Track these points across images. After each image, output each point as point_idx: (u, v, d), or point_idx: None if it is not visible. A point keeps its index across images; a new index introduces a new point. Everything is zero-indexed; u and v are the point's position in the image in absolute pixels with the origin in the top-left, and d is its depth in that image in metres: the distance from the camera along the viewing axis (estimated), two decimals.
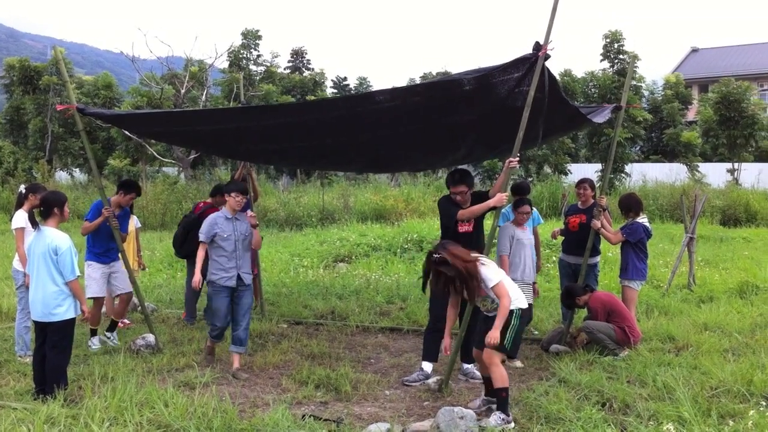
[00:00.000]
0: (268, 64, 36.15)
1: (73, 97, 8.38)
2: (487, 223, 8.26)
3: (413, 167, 15.07)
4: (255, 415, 6.10)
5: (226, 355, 8.33)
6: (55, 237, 6.64)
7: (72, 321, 6.80)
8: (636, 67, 26.25)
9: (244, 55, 34.61)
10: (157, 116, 9.64)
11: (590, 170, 27.49)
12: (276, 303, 11.16)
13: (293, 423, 5.80)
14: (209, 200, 10.27)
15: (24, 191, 8.14)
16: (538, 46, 6.36)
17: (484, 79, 6.49)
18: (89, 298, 8.67)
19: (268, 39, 34.21)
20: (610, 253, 13.08)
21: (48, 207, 6.73)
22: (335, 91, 47.63)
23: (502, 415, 5.96)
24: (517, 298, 6.18)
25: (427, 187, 26.76)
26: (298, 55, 43.25)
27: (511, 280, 6.52)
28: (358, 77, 50.08)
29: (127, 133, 25.55)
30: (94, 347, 8.54)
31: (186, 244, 9.97)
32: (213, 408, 6.00)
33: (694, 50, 59.05)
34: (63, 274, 6.63)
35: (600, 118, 8.35)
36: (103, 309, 9.15)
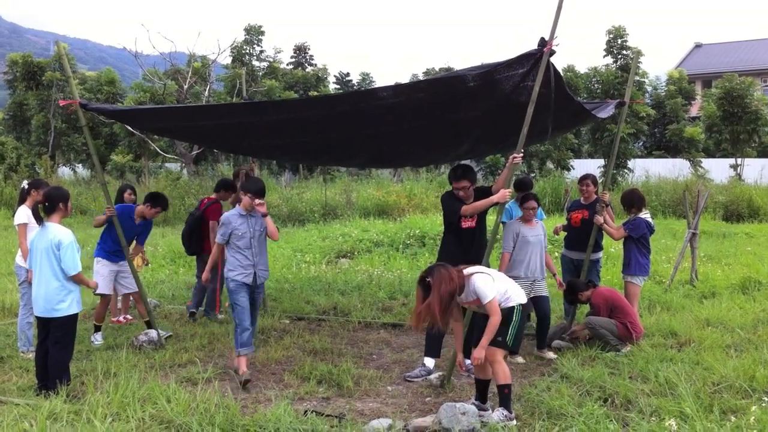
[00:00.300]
0: (271, 60, 36.09)
1: (76, 92, 8.38)
2: (491, 218, 8.28)
3: (416, 163, 15.09)
4: (257, 411, 6.10)
5: (228, 349, 8.35)
6: (58, 232, 6.65)
7: (75, 316, 6.82)
8: (639, 62, 26.09)
9: (247, 51, 34.56)
10: (160, 111, 9.65)
11: (593, 166, 27.41)
12: (278, 299, 11.16)
13: (295, 419, 5.79)
14: (213, 196, 10.27)
15: (27, 187, 8.15)
16: (543, 42, 6.35)
17: (489, 75, 6.49)
18: (96, 295, 8.78)
19: (270, 34, 34.23)
20: (612, 249, 13.07)
21: (53, 202, 6.74)
22: (338, 86, 47.55)
23: (505, 412, 5.96)
24: (517, 295, 6.18)
25: (430, 183, 26.74)
26: (300, 50, 43.15)
27: (509, 279, 6.51)
28: (361, 73, 49.99)
29: (129, 128, 25.55)
30: (96, 343, 8.55)
31: (193, 243, 10.00)
32: (215, 404, 6.00)
33: (698, 46, 58.92)
34: (65, 269, 6.64)
35: (604, 114, 8.35)
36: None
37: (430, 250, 14.46)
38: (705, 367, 6.96)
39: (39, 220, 6.74)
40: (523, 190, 9.10)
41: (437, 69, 39.53)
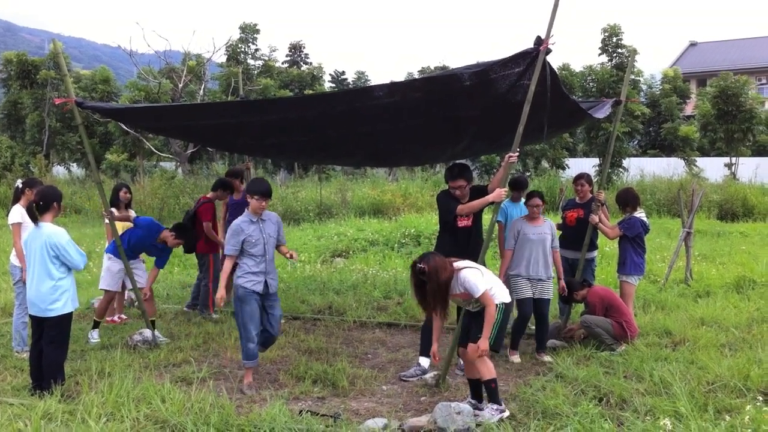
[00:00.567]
0: (266, 59, 36.07)
1: (72, 90, 8.36)
2: (487, 218, 8.27)
3: (413, 161, 15.09)
4: (252, 411, 6.10)
5: (222, 349, 8.34)
6: (53, 232, 6.64)
7: (69, 316, 6.80)
8: (635, 61, 26.20)
9: (242, 50, 34.52)
10: (156, 110, 9.63)
11: (588, 165, 27.48)
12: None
13: (290, 418, 5.79)
14: (209, 195, 10.27)
15: (21, 186, 8.13)
16: (539, 41, 6.35)
17: (484, 74, 6.49)
18: (101, 290, 8.84)
19: (265, 33, 34.08)
20: (607, 248, 13.09)
21: (47, 201, 6.73)
22: (333, 85, 47.56)
23: (494, 406, 5.99)
24: (501, 293, 6.20)
25: (425, 182, 26.76)
26: (296, 49, 43.11)
27: (495, 276, 6.49)
28: (356, 71, 50.13)
29: (124, 127, 25.50)
30: (93, 340, 8.52)
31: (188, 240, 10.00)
32: (210, 403, 6.00)
33: (693, 44, 59.09)
34: (74, 265, 6.72)
35: (600, 114, 8.34)
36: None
37: (426, 249, 14.42)
38: (700, 367, 6.98)
39: (34, 220, 6.72)
40: (519, 189, 9.11)
41: (432, 68, 39.50)
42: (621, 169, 28.13)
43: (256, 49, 35.47)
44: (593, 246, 8.95)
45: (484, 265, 7.10)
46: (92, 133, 30.16)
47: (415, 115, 7.37)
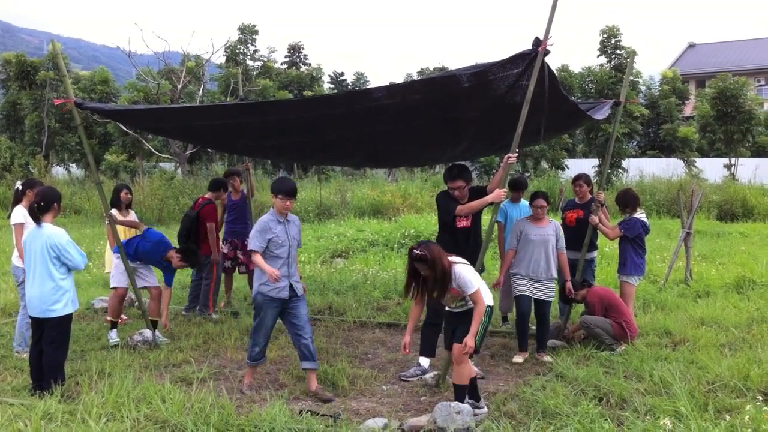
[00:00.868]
0: (265, 59, 36.07)
1: (71, 91, 8.35)
2: (486, 218, 8.27)
3: (412, 162, 15.11)
4: (252, 411, 6.09)
5: (222, 349, 8.34)
6: (54, 233, 6.64)
7: (69, 317, 6.81)
8: (634, 62, 26.26)
9: (241, 50, 34.53)
10: (156, 111, 9.62)
11: (587, 165, 27.50)
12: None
13: (290, 418, 5.79)
14: (208, 195, 10.26)
15: (21, 187, 8.14)
16: (537, 42, 6.35)
17: (483, 75, 6.49)
18: (112, 288, 8.83)
19: (264, 34, 34.19)
20: (607, 248, 13.10)
21: (48, 201, 6.73)
22: (332, 86, 47.52)
23: (469, 402, 6.10)
24: (487, 296, 6.21)
25: (425, 183, 26.78)
26: (294, 50, 43.11)
27: (481, 279, 6.44)
28: (355, 72, 50.10)
29: (123, 128, 25.50)
30: (112, 341, 8.50)
31: (189, 240, 9.99)
32: (210, 403, 5.99)
33: (691, 45, 59.14)
34: (74, 265, 6.72)
35: (600, 115, 8.34)
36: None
37: None
38: (699, 366, 6.98)
39: (37, 220, 6.71)
40: (518, 189, 9.12)
41: (431, 68, 39.52)
42: (620, 170, 28.15)
43: (255, 50, 35.50)
44: (593, 246, 8.95)
45: (483, 266, 7.11)
46: (91, 133, 30.17)
47: (415, 116, 7.37)
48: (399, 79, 47.63)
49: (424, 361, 7.50)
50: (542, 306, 8.07)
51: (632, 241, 8.47)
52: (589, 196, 8.90)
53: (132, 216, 9.87)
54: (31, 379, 6.77)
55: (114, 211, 9.31)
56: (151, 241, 8.70)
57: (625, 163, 28.51)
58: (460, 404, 5.84)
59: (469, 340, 5.99)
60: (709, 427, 5.37)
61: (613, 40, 29.21)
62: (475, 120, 7.63)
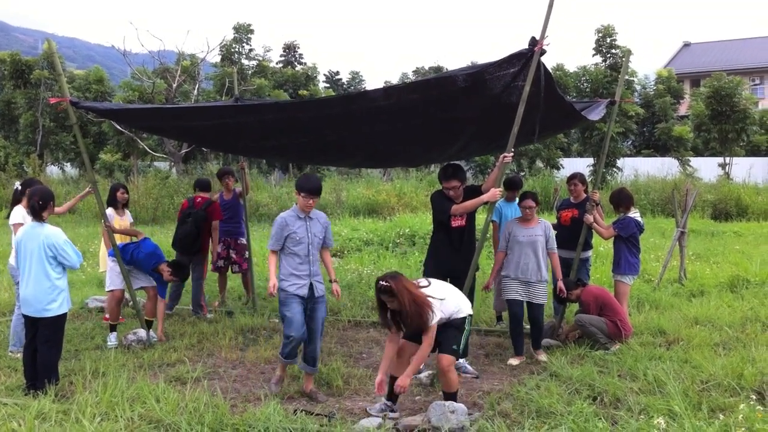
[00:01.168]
0: (260, 59, 36.02)
1: (67, 90, 8.34)
2: (481, 217, 8.27)
3: (410, 162, 15.11)
4: (246, 410, 6.08)
5: (217, 348, 8.33)
6: (51, 233, 6.64)
7: (64, 316, 6.81)
8: (629, 61, 26.25)
9: (236, 50, 34.49)
10: (153, 111, 9.59)
11: (582, 165, 27.51)
12: (268, 298, 11.12)
13: (285, 418, 5.78)
14: (202, 195, 10.21)
15: (20, 187, 8.13)
16: (534, 41, 6.36)
17: (479, 75, 6.50)
18: (108, 291, 8.81)
19: (260, 33, 34.14)
20: (601, 248, 13.11)
21: (46, 201, 6.73)
22: (327, 85, 47.51)
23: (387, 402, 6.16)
24: (466, 306, 6.24)
25: (420, 182, 26.77)
26: (290, 49, 43.08)
27: (457, 290, 6.43)
28: (351, 71, 50.00)
29: (118, 127, 25.46)
30: (111, 344, 8.47)
31: (197, 241, 10.00)
32: (204, 403, 5.98)
33: (686, 45, 59.18)
34: (70, 264, 6.72)
35: (595, 115, 8.33)
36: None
37: (420, 249, 14.46)
38: (693, 366, 6.99)
39: (39, 219, 6.69)
40: (513, 188, 9.12)
41: (427, 68, 39.53)
42: (615, 169, 28.20)
43: (250, 49, 35.46)
44: (588, 246, 8.95)
45: (478, 266, 7.10)
46: (86, 132, 30.10)
47: (413, 115, 7.38)
48: (395, 79, 47.62)
49: None
50: (534, 309, 7.97)
51: (626, 240, 8.48)
52: (584, 195, 8.90)
53: (128, 216, 9.86)
54: (25, 378, 6.75)
55: (110, 210, 9.31)
56: (144, 251, 8.68)
57: (619, 162, 28.56)
58: (455, 404, 5.84)
59: (402, 380, 5.96)
60: (703, 426, 5.37)
61: (608, 40, 29.26)
62: (471, 119, 7.64)
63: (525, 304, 8.00)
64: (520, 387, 6.69)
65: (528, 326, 8.33)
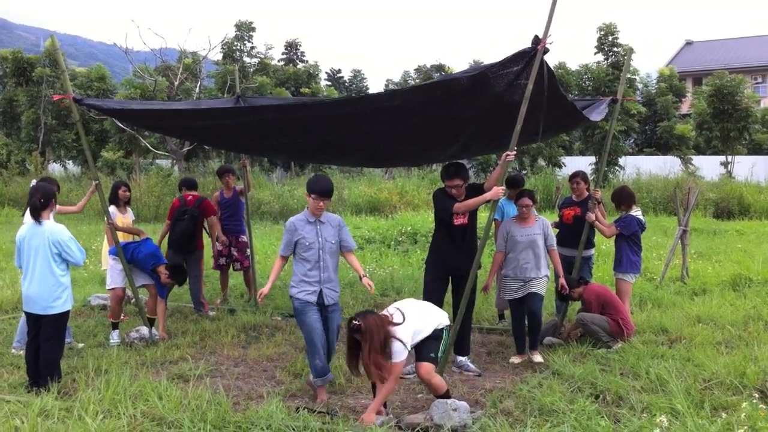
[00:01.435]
0: (262, 56, 36.04)
1: (70, 87, 8.34)
2: (483, 215, 8.25)
3: (411, 162, 15.14)
4: (249, 408, 6.09)
5: (220, 346, 8.34)
6: (55, 230, 6.65)
7: (67, 313, 6.82)
8: (631, 60, 26.23)
9: (238, 47, 34.48)
10: (154, 111, 9.57)
11: (584, 163, 27.53)
12: (270, 296, 11.04)
13: (287, 415, 5.79)
14: (191, 193, 10.21)
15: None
16: (537, 40, 6.35)
17: (484, 75, 6.49)
18: (109, 289, 8.80)
19: (261, 31, 34.13)
20: (604, 246, 13.10)
21: (48, 198, 6.74)
22: (329, 83, 47.52)
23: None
24: (443, 318, 6.18)
25: (422, 180, 26.77)
26: (292, 47, 43.11)
27: (434, 307, 6.39)
28: (353, 70, 50.13)
29: (120, 124, 25.46)
30: (113, 341, 8.46)
31: (194, 239, 10.01)
32: (207, 400, 5.99)
33: (688, 43, 59.11)
34: (75, 261, 6.74)
35: (597, 116, 8.30)
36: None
37: (422, 247, 14.46)
38: (696, 364, 6.98)
39: (37, 219, 6.69)
40: (515, 187, 9.09)
41: (429, 66, 39.51)
42: (617, 168, 28.20)
43: (252, 47, 35.46)
44: (591, 244, 8.94)
45: (480, 264, 7.09)
46: (88, 130, 30.12)
47: (414, 115, 7.37)
48: (396, 77, 47.57)
49: None
50: (531, 300, 7.79)
51: (628, 238, 8.47)
52: (586, 193, 8.89)
53: (130, 213, 9.86)
54: (28, 375, 6.76)
55: (112, 208, 9.31)
56: (144, 251, 8.68)
57: (621, 160, 28.56)
58: (457, 402, 5.85)
59: (367, 416, 5.81)
60: (705, 424, 5.37)
61: (610, 38, 29.27)
62: (472, 119, 7.63)
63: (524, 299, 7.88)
64: (523, 385, 6.69)
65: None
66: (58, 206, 8.73)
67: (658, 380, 6.51)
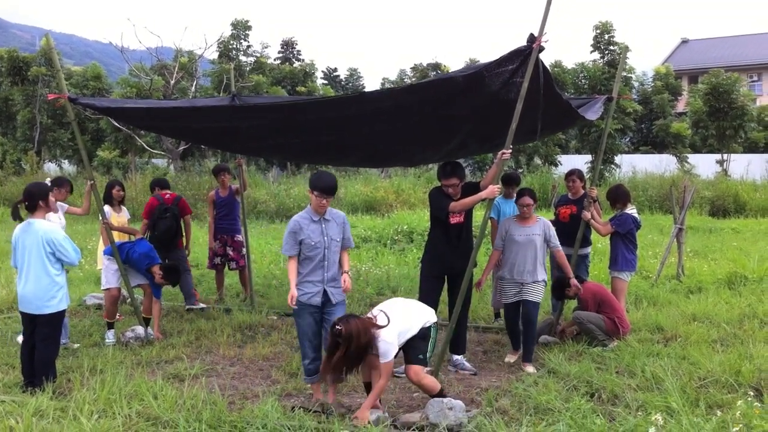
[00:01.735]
0: (258, 55, 36.02)
1: (65, 86, 8.32)
2: (479, 214, 8.24)
3: (409, 162, 15.12)
4: (244, 407, 6.09)
5: (215, 346, 8.33)
6: (48, 229, 6.62)
7: (62, 313, 6.81)
8: (627, 58, 26.26)
9: (234, 46, 34.46)
10: (149, 111, 9.54)
11: (580, 161, 27.54)
12: (266, 295, 11.14)
13: (282, 415, 5.79)
14: (168, 192, 10.22)
15: (49, 184, 8.18)
16: (532, 38, 6.34)
17: (479, 74, 6.49)
18: (104, 289, 8.80)
19: (257, 29, 34.09)
20: (599, 244, 13.11)
21: (33, 200, 6.68)
22: (326, 82, 47.48)
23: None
24: (431, 316, 6.17)
25: (418, 179, 26.77)
26: (288, 45, 43.07)
27: (421, 305, 6.38)
28: (349, 68, 50.15)
29: (115, 123, 25.43)
30: (108, 341, 8.46)
31: (177, 236, 10.02)
32: (202, 400, 5.99)
33: (684, 41, 59.18)
34: (69, 261, 6.72)
35: (592, 114, 8.30)
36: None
37: (418, 246, 14.47)
38: (691, 362, 7.00)
39: (16, 218, 6.67)
40: (510, 184, 9.09)
41: (425, 64, 39.47)
42: (613, 166, 28.19)
43: (248, 46, 35.44)
44: (587, 242, 8.95)
45: (476, 263, 7.09)
46: (84, 129, 30.04)
47: (411, 114, 7.37)
48: (393, 76, 47.56)
49: None
50: (527, 308, 7.63)
51: (623, 236, 8.48)
52: (582, 191, 8.90)
53: (125, 213, 9.85)
54: (23, 375, 6.75)
55: (107, 208, 9.29)
56: (138, 251, 8.67)
57: (617, 159, 28.56)
58: (453, 400, 5.85)
59: (361, 412, 5.83)
60: (701, 422, 5.38)
61: (606, 36, 29.24)
62: (469, 117, 7.63)
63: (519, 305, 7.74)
64: (518, 384, 6.70)
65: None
66: (67, 206, 8.77)
67: (653, 378, 6.52)
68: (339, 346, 5.68)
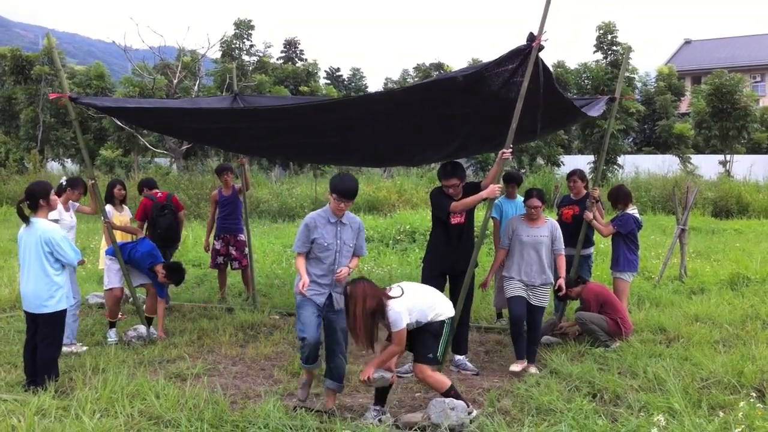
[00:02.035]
0: (261, 55, 36.05)
1: (66, 85, 8.32)
2: (480, 214, 8.23)
3: (410, 161, 15.15)
4: (246, 407, 6.09)
5: (217, 345, 8.33)
6: (47, 228, 6.62)
7: (63, 312, 6.80)
8: (630, 58, 26.23)
9: (237, 45, 34.49)
10: (153, 110, 9.55)
11: (583, 162, 27.51)
12: (268, 294, 11.14)
13: (285, 414, 5.79)
14: (158, 191, 10.28)
15: (64, 184, 8.24)
16: (532, 37, 6.34)
17: (479, 74, 6.49)
18: (107, 289, 8.80)
19: (260, 29, 34.19)
20: (602, 245, 13.09)
21: (34, 199, 6.68)
22: (328, 82, 47.47)
23: (376, 407, 6.05)
24: (446, 309, 6.10)
25: (420, 179, 26.78)
26: (290, 45, 43.08)
27: (437, 292, 6.32)
28: (352, 68, 50.10)
29: (118, 122, 25.46)
30: (111, 340, 8.47)
31: (178, 231, 10.08)
32: (204, 399, 5.99)
33: (687, 42, 59.15)
34: (67, 261, 6.71)
35: (594, 111, 8.30)
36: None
37: (420, 246, 14.46)
38: (693, 363, 6.98)
39: (25, 219, 6.67)
40: (511, 182, 9.07)
41: (428, 64, 39.47)
42: (616, 167, 28.19)
43: (251, 45, 35.48)
44: (589, 242, 8.93)
45: (477, 263, 7.07)
46: (86, 128, 30.09)
47: (412, 114, 7.37)
48: (396, 76, 47.54)
49: None
50: (535, 312, 7.52)
51: (625, 237, 8.47)
52: (585, 191, 8.88)
53: (127, 212, 9.85)
54: (25, 374, 6.76)
55: (109, 207, 9.30)
56: (141, 251, 8.68)
57: (620, 159, 28.55)
58: (455, 401, 5.84)
59: (367, 368, 5.86)
60: (703, 423, 5.37)
61: (609, 37, 29.24)
62: (470, 117, 7.62)
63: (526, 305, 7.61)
64: (520, 384, 6.69)
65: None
66: (78, 204, 8.78)
67: (655, 379, 6.51)
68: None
